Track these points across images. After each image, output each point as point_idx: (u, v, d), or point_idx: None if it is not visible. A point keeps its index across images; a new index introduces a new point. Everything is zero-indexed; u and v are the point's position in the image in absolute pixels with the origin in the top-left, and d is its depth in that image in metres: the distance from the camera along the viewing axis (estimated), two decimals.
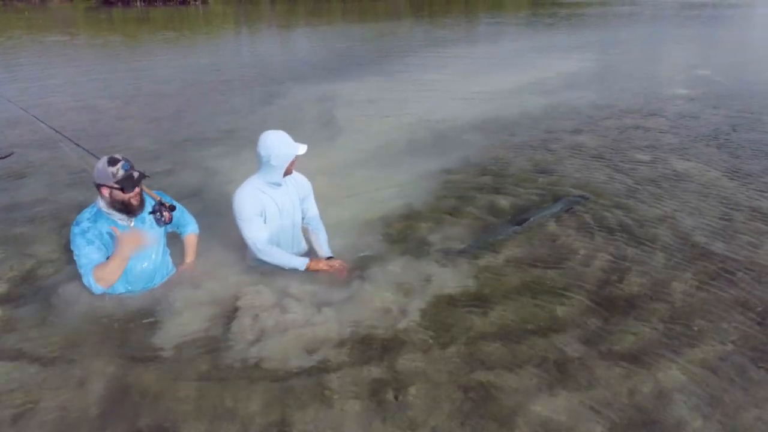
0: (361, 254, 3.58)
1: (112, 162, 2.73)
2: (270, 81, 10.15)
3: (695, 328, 2.83)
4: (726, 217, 4.03)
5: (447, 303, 3.07)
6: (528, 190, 4.60)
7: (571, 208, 4.22)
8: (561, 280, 3.28)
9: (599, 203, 4.32)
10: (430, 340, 2.77)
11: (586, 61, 12.16)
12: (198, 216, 3.91)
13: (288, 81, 10.12)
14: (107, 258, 2.81)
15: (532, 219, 3.99)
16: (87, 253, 2.73)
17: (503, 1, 46.01)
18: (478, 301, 3.09)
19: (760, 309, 2.97)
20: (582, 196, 4.41)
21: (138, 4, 42.57)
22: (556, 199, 4.40)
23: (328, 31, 21.54)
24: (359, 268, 3.39)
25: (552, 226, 3.95)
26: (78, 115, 7.37)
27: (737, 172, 4.94)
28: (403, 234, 3.89)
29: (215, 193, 4.59)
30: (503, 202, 4.39)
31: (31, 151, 5.74)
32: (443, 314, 2.97)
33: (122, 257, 2.78)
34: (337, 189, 4.66)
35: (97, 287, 2.79)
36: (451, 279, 3.29)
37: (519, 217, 4.07)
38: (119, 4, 42.46)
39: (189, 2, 43.39)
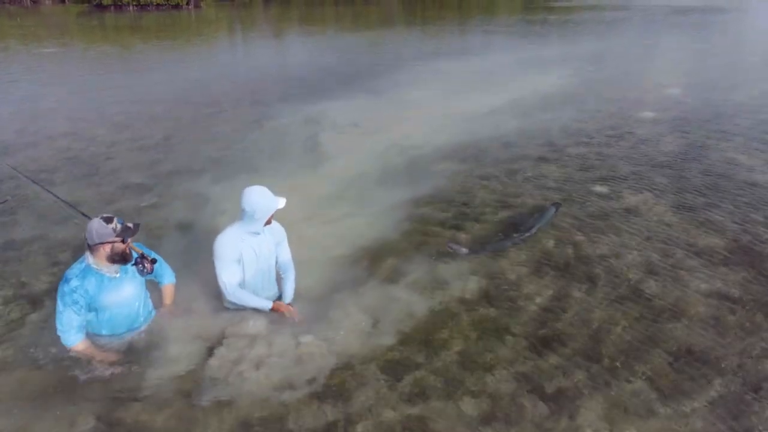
0: (328, 291, 3.94)
1: (108, 220, 3.09)
2: (258, 101, 10.49)
3: (615, 367, 3.21)
4: (663, 254, 4.42)
5: (400, 341, 3.43)
6: (487, 226, 4.97)
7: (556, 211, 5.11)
8: (504, 318, 3.66)
9: (551, 238, 4.70)
10: (381, 379, 3.14)
11: (565, 77, 12.58)
12: (181, 253, 4.30)
13: (276, 101, 10.49)
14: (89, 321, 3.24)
15: (534, 230, 4.74)
16: (69, 314, 3.09)
17: (495, 6, 46.43)
18: (428, 339, 3.46)
19: (674, 349, 3.35)
20: (556, 203, 5.27)
21: (131, 9, 42.76)
22: (542, 210, 5.16)
23: (320, 41, 21.91)
24: (324, 304, 3.76)
25: (503, 262, 4.33)
26: (70, 141, 7.69)
27: (682, 205, 5.33)
28: (369, 271, 4.25)
29: (200, 228, 4.93)
30: (463, 238, 4.76)
31: (22, 188, 6.04)
32: (395, 352, 3.34)
33: (96, 360, 3.23)
34: (312, 222, 5.04)
35: (70, 344, 3.16)
36: (406, 317, 3.65)
37: (520, 227, 4.80)
38: (112, 9, 42.64)
39: (181, 7, 43.63)
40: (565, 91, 11.04)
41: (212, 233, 4.57)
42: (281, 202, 3.40)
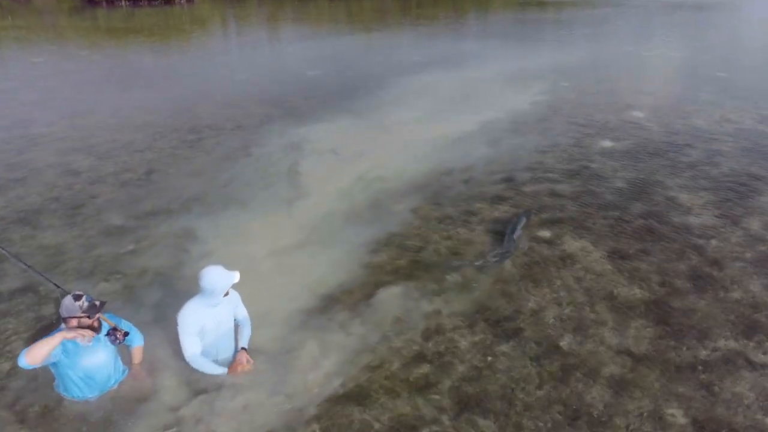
0: (284, 345, 4.44)
1: (77, 298, 3.63)
2: (240, 126, 10.85)
3: (521, 427, 3.71)
4: (586, 308, 4.91)
5: (337, 400, 3.93)
6: (436, 280, 5.39)
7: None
8: (433, 376, 4.16)
9: (489, 288, 5.18)
10: None
11: (540, 94, 13.02)
12: (157, 304, 4.82)
13: (259, 124, 10.90)
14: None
15: (519, 231, 6.14)
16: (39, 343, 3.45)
17: (489, 2, 46.42)
18: (363, 397, 3.96)
19: (575, 407, 3.86)
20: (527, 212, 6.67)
21: (123, 4, 42.69)
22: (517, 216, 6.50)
23: (311, 46, 22.17)
24: (277, 359, 4.26)
25: (443, 317, 4.81)
26: (56, 177, 8.10)
27: (616, 252, 5.81)
28: (324, 323, 4.72)
29: (178, 275, 5.41)
30: (414, 290, 5.22)
31: (8, 232, 6.48)
32: (333, 411, 3.84)
33: (56, 341, 3.47)
34: (280, 268, 5.53)
35: (23, 360, 3.38)
36: (347, 375, 4.15)
37: (510, 229, 6.16)
38: (104, 4, 42.56)
39: (174, 2, 43.58)
40: (536, 112, 11.48)
41: (189, 281, 5.08)
42: (236, 277, 3.96)
